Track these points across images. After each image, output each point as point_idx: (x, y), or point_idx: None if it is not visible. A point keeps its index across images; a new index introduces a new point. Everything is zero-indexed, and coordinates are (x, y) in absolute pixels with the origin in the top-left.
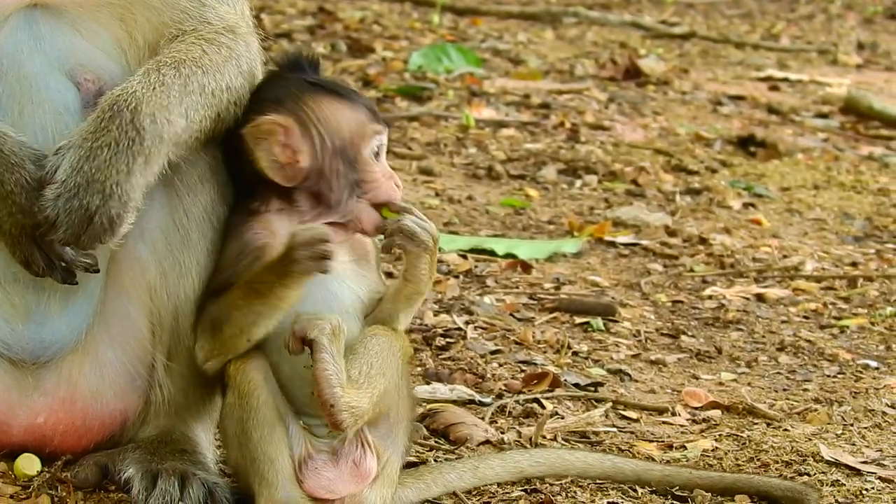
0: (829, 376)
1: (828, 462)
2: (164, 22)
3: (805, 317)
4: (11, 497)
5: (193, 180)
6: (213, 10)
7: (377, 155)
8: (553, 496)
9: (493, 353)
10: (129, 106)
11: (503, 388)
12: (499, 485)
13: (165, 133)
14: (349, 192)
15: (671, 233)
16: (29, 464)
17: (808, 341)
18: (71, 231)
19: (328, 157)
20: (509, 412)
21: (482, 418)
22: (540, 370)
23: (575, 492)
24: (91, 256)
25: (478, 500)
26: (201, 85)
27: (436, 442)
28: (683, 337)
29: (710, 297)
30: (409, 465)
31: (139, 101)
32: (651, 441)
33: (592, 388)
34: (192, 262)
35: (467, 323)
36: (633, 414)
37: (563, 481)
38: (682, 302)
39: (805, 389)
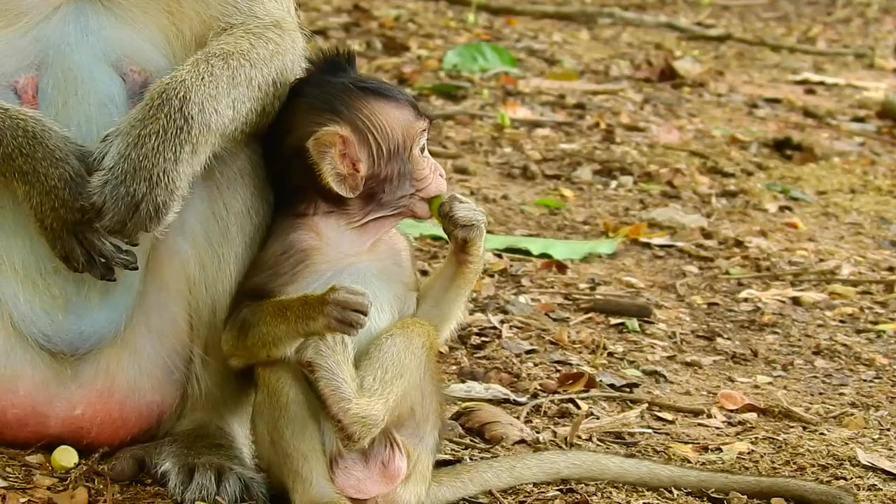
0: (865, 381)
1: (864, 466)
2: (212, 15)
3: (841, 321)
4: (49, 489)
5: (233, 174)
6: (261, 5)
7: (423, 149)
8: (588, 496)
9: (528, 352)
10: (177, 94)
11: (538, 387)
12: (535, 484)
13: (213, 123)
14: (402, 192)
15: (707, 235)
16: (66, 456)
17: (845, 345)
18: (117, 218)
19: (384, 162)
20: (544, 412)
21: (517, 417)
22: (575, 370)
23: (610, 492)
24: (131, 254)
25: (513, 500)
26: (248, 78)
27: (471, 440)
28: (719, 339)
29: (745, 300)
30: (444, 464)
31: (188, 90)
32: (686, 443)
33: (628, 389)
34: (230, 255)
35: (502, 322)
36: (668, 415)
37: (599, 482)
38: (717, 304)
39: (841, 393)
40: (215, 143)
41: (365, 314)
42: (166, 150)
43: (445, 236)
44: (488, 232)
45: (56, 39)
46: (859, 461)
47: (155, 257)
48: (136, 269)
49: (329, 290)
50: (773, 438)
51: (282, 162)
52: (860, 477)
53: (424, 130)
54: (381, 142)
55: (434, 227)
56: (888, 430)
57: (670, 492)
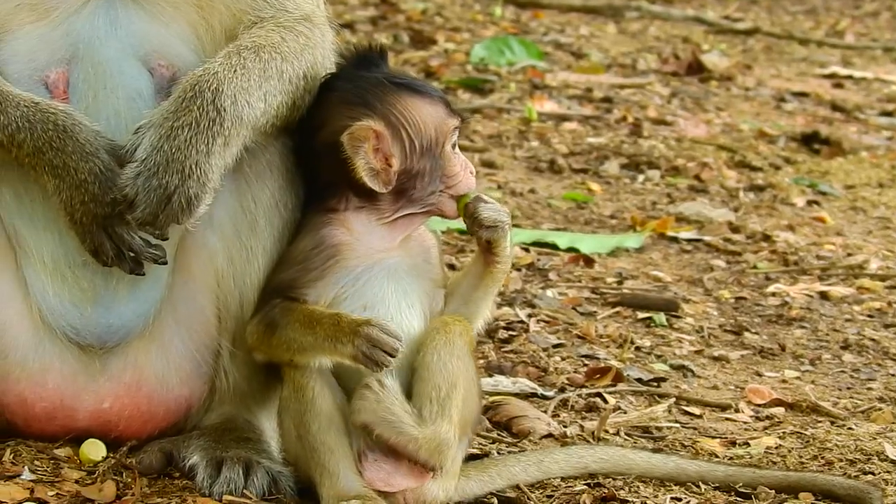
0: (893, 375)
1: (892, 461)
2: (242, 9)
3: (869, 315)
4: (77, 482)
5: (262, 167)
6: None
7: (454, 146)
8: (616, 491)
9: (555, 346)
10: (210, 87)
11: (566, 381)
12: (562, 479)
13: (245, 115)
14: (432, 188)
15: (734, 229)
16: (94, 449)
17: (873, 340)
18: (149, 210)
19: (416, 158)
20: (572, 406)
21: (545, 412)
22: (603, 365)
23: (638, 487)
24: (160, 248)
25: (541, 494)
26: (280, 71)
27: (498, 434)
28: (746, 334)
29: (773, 295)
30: (472, 458)
31: (220, 82)
32: (714, 437)
33: (655, 384)
34: (258, 248)
35: (530, 316)
36: (696, 410)
37: (626, 477)
38: (745, 299)
39: (869, 388)
40: (247, 135)
41: (394, 357)
42: (199, 143)
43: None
44: (515, 226)
45: (86, 33)
46: (887, 456)
47: (183, 250)
48: (165, 263)
49: (364, 321)
50: (801, 433)
51: (314, 157)
52: (888, 472)
53: (456, 128)
54: (414, 137)
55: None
56: None
57: (697, 486)
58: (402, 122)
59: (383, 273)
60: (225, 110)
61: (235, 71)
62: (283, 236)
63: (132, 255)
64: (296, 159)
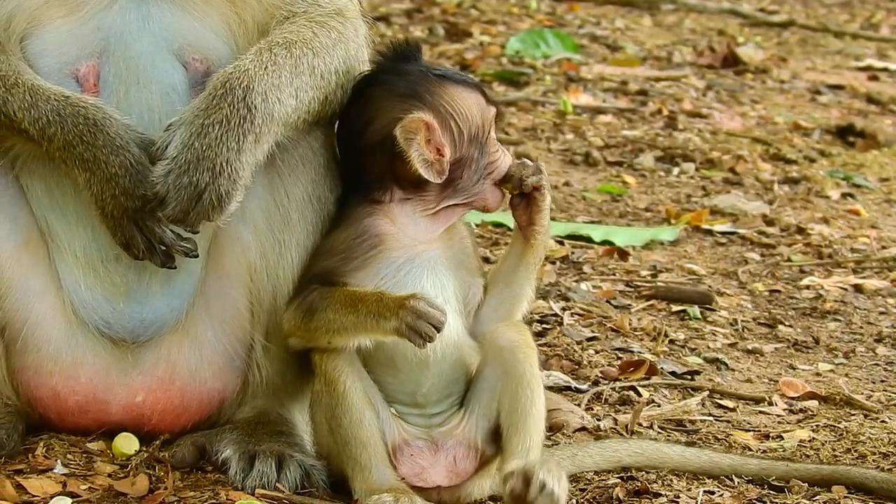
0: None
1: None
2: (274, 3)
3: None
4: (109, 476)
5: (295, 161)
6: None
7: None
8: (649, 484)
9: (589, 339)
10: (241, 84)
11: (599, 374)
12: (595, 472)
13: (276, 112)
14: (479, 174)
15: (769, 222)
16: (127, 443)
17: None
18: (180, 207)
19: (465, 147)
20: (605, 399)
21: (578, 405)
22: (636, 358)
23: (671, 480)
24: (191, 241)
25: (574, 487)
26: (311, 66)
27: None
28: (780, 327)
29: (807, 287)
30: None
31: (251, 79)
32: (748, 430)
33: (689, 377)
34: (291, 242)
35: (564, 309)
36: (729, 403)
37: (660, 470)
38: (779, 291)
39: None
40: (278, 132)
41: (439, 330)
42: (230, 140)
43: (507, 222)
44: (550, 218)
45: (118, 28)
46: None
47: (216, 245)
48: (197, 256)
49: (409, 295)
50: (835, 426)
51: (360, 151)
52: None
53: (495, 116)
54: (462, 126)
55: (495, 215)
56: None
57: (731, 479)
58: (450, 113)
59: (424, 265)
60: (256, 107)
61: (266, 68)
62: (316, 230)
63: (163, 248)
64: (339, 154)
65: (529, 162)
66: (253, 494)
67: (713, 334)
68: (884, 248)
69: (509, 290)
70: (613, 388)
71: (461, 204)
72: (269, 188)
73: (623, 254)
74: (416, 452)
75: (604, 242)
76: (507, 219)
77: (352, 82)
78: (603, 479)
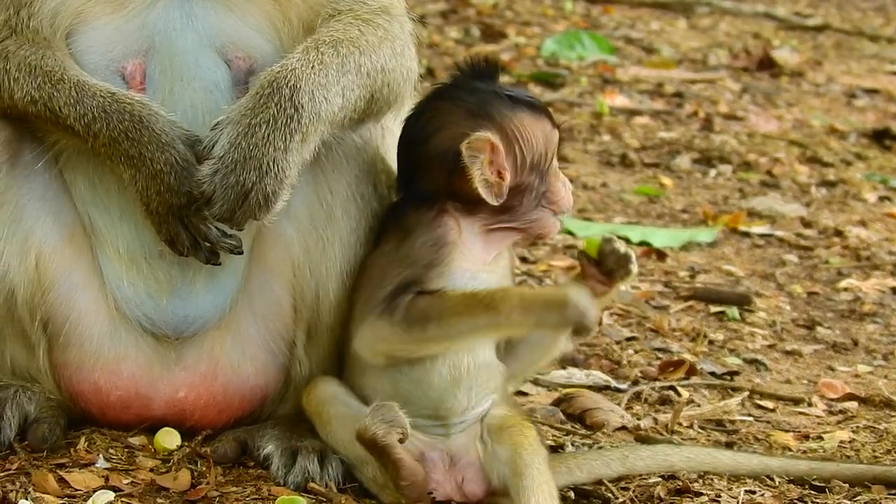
0: None
1: None
2: (319, 1)
3: None
4: (151, 471)
5: (339, 158)
6: None
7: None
8: (690, 483)
9: (628, 339)
10: (287, 83)
11: (639, 374)
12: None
13: (323, 111)
14: (536, 203)
15: (806, 224)
16: (169, 438)
17: None
18: (227, 207)
19: (525, 173)
20: (645, 399)
21: (618, 404)
22: (676, 358)
23: (712, 480)
24: (236, 238)
25: (615, 486)
26: (358, 65)
27: (572, 426)
28: (819, 328)
29: (845, 290)
30: (551, 450)
31: (298, 78)
32: (787, 431)
33: (728, 377)
34: (335, 238)
35: (603, 309)
36: (769, 404)
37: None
38: (817, 293)
39: None
40: (324, 131)
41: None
42: (276, 140)
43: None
44: (586, 219)
45: (162, 25)
46: None
47: (260, 241)
48: (241, 253)
49: (570, 289)
50: (874, 427)
51: (419, 162)
52: None
53: (557, 140)
54: (526, 153)
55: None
56: None
57: (772, 479)
58: (516, 137)
59: (483, 282)
60: (303, 107)
61: (313, 67)
62: (359, 227)
63: (208, 244)
64: (398, 161)
65: (621, 248)
66: (296, 490)
67: (752, 335)
68: None
69: (551, 336)
70: (653, 388)
71: (516, 229)
72: (313, 185)
73: (661, 255)
74: (431, 466)
75: (641, 243)
76: None
77: (399, 80)
78: (644, 478)
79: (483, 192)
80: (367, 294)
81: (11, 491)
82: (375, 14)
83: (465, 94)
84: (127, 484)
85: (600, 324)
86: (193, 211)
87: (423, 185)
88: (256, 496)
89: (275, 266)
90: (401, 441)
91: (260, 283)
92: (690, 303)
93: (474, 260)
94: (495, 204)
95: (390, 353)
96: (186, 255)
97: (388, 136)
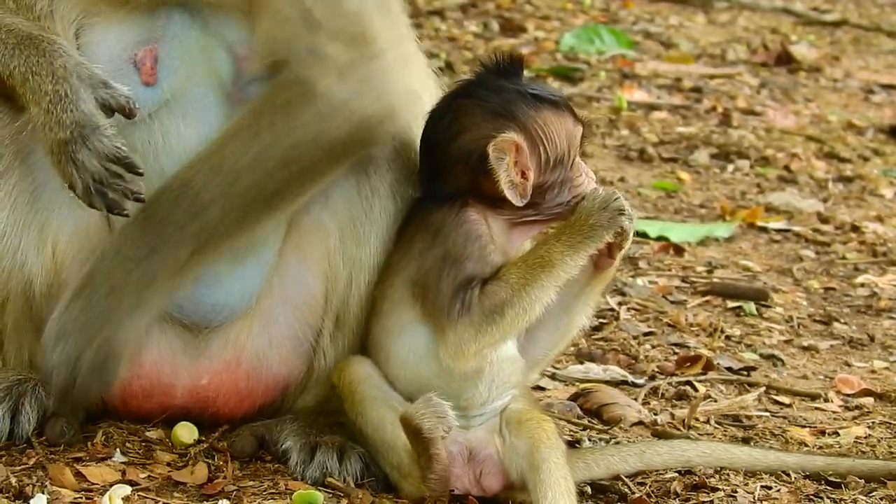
0: None
1: None
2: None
3: None
4: (168, 465)
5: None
6: None
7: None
8: (706, 478)
9: (645, 334)
10: None
11: (656, 369)
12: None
13: None
14: (560, 198)
15: (823, 220)
16: (186, 432)
17: None
18: None
19: (549, 172)
20: (662, 394)
21: (635, 399)
22: (693, 353)
23: (728, 475)
24: (135, 183)
25: (632, 481)
26: None
27: (589, 421)
28: (836, 324)
29: (862, 285)
30: (568, 445)
31: None
32: (804, 427)
33: (745, 373)
34: (371, 233)
35: (620, 304)
36: (785, 399)
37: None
38: (834, 289)
39: None
40: None
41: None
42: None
43: None
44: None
45: (174, 15)
46: None
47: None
48: (143, 201)
49: (584, 203)
50: (890, 423)
51: (443, 160)
52: None
53: (582, 136)
54: (550, 152)
55: None
56: None
57: (787, 474)
58: (540, 137)
59: None
60: None
61: None
62: (393, 225)
63: (101, 188)
64: (420, 158)
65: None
66: (313, 485)
67: (769, 331)
68: None
69: (567, 316)
70: (670, 383)
71: (540, 221)
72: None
73: (679, 250)
74: (451, 459)
75: (659, 238)
76: None
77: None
78: (661, 473)
79: (509, 194)
80: (419, 300)
81: (28, 485)
82: None
83: (489, 94)
84: (144, 478)
85: (617, 318)
86: (78, 139)
87: (446, 184)
88: (273, 490)
89: (310, 255)
90: (442, 437)
91: (293, 270)
92: (707, 298)
93: (504, 251)
94: (519, 204)
95: (481, 351)
96: (91, 204)
97: None
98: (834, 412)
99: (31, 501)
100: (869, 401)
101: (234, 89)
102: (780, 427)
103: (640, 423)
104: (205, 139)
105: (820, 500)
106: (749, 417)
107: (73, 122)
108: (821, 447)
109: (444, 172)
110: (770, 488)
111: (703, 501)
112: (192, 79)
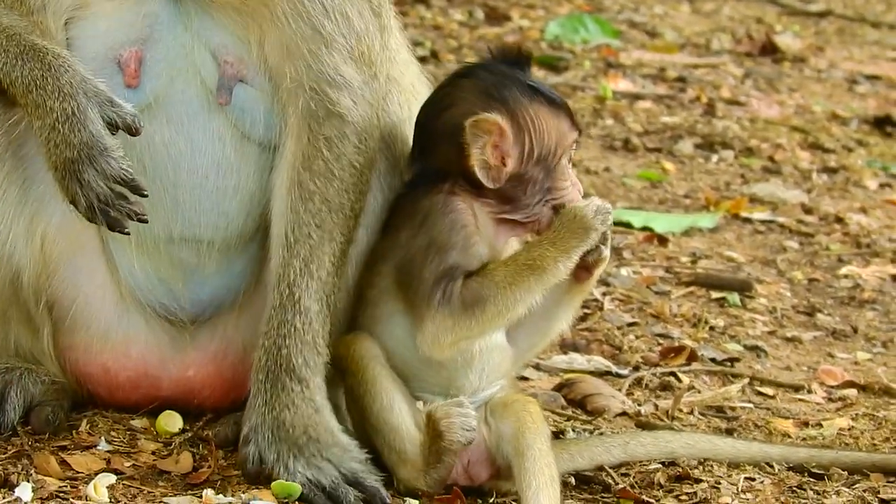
0: None
1: None
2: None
3: None
4: (153, 454)
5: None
6: None
7: (569, 160)
8: (690, 470)
9: (629, 325)
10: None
11: (640, 360)
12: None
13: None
14: (539, 197)
15: (807, 210)
16: (171, 421)
17: None
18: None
19: (531, 165)
20: (646, 385)
21: (619, 390)
22: (677, 344)
23: (712, 466)
24: (138, 205)
25: (615, 472)
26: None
27: (573, 412)
28: (819, 315)
29: (845, 276)
30: (552, 436)
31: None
32: (787, 418)
33: (729, 364)
34: (360, 224)
35: (604, 294)
36: (769, 390)
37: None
38: (817, 280)
39: None
40: None
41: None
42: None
43: None
44: None
45: (163, 16)
46: None
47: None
48: (146, 221)
49: (576, 208)
50: (873, 415)
51: (431, 135)
52: None
53: (575, 142)
54: (535, 145)
55: None
56: None
57: (771, 466)
58: (528, 127)
59: None
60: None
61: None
62: (381, 214)
63: (105, 207)
64: (413, 135)
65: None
66: None
67: (752, 322)
68: None
69: (546, 322)
70: (654, 374)
71: (519, 222)
72: None
73: (663, 240)
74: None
75: (643, 228)
76: None
77: None
78: (644, 465)
79: (479, 174)
80: (403, 288)
81: (13, 473)
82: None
83: (487, 75)
84: (128, 467)
85: (602, 308)
86: (85, 164)
87: (431, 161)
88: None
89: None
90: (462, 447)
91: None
92: (692, 288)
93: (490, 245)
94: (490, 187)
95: (457, 343)
96: (92, 221)
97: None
98: (817, 403)
99: (16, 490)
100: (852, 392)
101: (218, 94)
102: (763, 418)
103: (624, 413)
104: (187, 143)
105: (803, 491)
106: (733, 409)
107: (82, 142)
108: (804, 438)
109: (430, 147)
110: (753, 480)
111: (687, 492)
112: (176, 83)
